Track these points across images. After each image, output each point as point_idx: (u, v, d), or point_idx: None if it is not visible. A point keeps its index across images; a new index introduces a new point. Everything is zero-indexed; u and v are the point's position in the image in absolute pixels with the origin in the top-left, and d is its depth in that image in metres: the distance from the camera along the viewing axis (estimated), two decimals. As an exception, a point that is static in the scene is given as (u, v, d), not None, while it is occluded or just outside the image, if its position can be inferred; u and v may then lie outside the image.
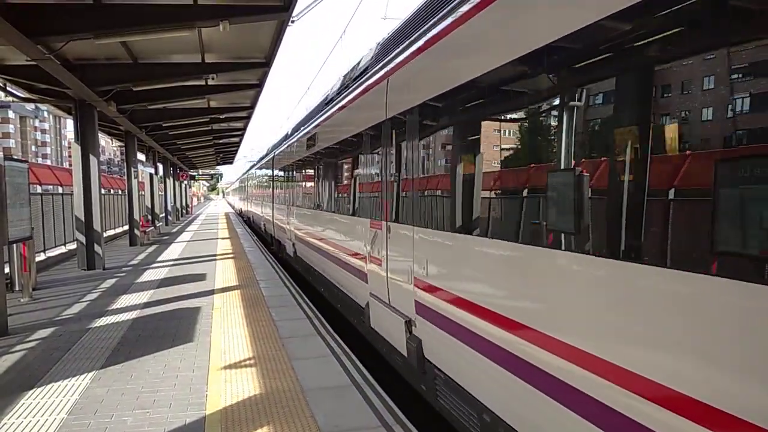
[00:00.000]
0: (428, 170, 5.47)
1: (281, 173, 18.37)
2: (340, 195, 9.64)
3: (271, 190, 21.61)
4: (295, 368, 6.17)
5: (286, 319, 8.55)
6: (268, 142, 35.36)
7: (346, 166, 9.30)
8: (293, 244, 14.85)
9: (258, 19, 10.23)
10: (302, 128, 14.53)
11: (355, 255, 8.08)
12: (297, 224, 14.17)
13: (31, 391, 5.66)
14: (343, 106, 9.20)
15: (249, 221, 36.52)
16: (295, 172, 15.13)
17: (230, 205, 78.88)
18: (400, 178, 6.13)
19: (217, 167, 72.81)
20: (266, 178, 24.39)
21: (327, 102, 11.69)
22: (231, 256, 17.15)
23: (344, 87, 10.08)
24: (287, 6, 9.67)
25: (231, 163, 61.30)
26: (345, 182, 9.29)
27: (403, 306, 5.98)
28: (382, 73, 6.88)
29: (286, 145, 17.53)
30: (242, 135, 32.67)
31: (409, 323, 5.77)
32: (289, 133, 18.82)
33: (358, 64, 9.49)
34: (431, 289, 5.13)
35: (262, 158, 31.14)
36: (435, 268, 5.09)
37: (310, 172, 12.58)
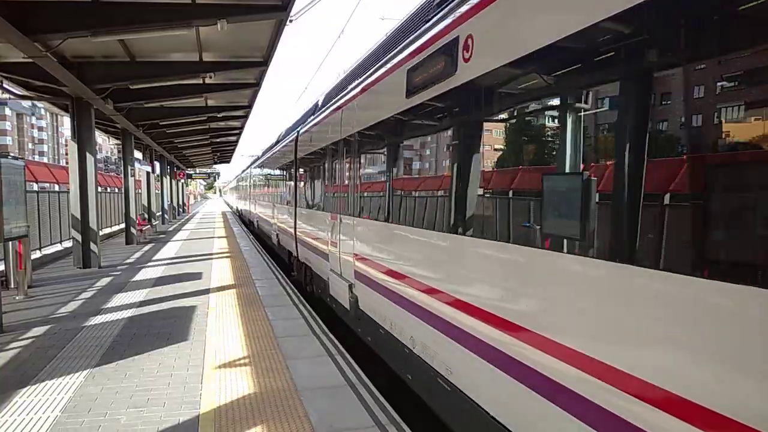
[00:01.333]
0: None
1: (316, 159, 11.43)
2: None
3: (293, 186, 14.31)
4: (289, 367, 6.18)
5: (281, 319, 8.55)
6: (267, 141, 34.66)
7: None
8: (350, 287, 7.82)
9: (256, 18, 10.24)
10: (369, 72, 7.65)
11: None
12: (368, 253, 7.08)
13: (25, 389, 5.66)
14: None
15: (252, 224, 29.99)
16: (356, 154, 7.90)
17: (227, 204, 78.95)
18: None
19: (214, 166, 72.72)
20: (282, 169, 17.39)
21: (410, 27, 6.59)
22: (227, 255, 17.14)
23: None
24: (285, 5, 9.68)
25: (228, 161, 61.30)
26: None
27: None
28: None
29: (327, 112, 10.32)
30: (239, 134, 32.65)
31: None
32: (321, 103, 12.84)
33: None
34: None
35: (272, 146, 23.35)
36: None
37: (420, 144, 5.82)
